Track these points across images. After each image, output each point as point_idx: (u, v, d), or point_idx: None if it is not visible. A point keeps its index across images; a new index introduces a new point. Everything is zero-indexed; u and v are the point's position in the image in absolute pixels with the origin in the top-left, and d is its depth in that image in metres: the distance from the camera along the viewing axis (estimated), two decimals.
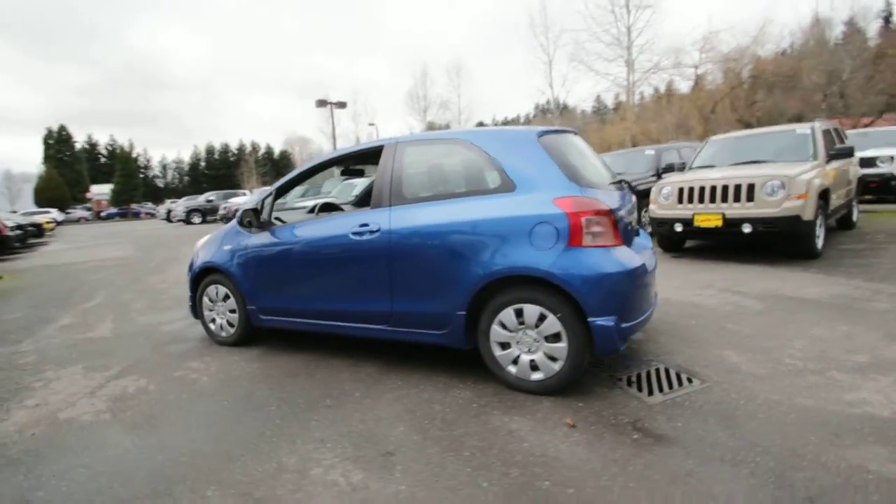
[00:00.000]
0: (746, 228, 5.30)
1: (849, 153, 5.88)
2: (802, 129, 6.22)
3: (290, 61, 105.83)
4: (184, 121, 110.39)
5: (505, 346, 2.66)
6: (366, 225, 2.96)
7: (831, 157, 5.81)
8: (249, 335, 3.76)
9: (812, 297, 4.08)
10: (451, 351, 3.04)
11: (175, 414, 2.69)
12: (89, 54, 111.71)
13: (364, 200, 4.49)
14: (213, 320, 3.87)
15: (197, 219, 23.81)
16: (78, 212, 47.48)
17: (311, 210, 4.19)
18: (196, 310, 3.98)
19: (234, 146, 68.38)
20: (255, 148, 66.49)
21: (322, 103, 25.57)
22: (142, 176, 61.65)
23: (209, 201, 24.38)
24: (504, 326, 2.63)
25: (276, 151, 69.11)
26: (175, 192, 62.25)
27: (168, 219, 27.41)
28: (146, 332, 4.39)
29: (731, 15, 51.99)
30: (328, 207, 4.28)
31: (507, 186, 2.63)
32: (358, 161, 3.75)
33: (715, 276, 5.02)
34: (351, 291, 3.08)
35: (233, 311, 3.73)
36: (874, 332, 3.17)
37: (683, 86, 25.78)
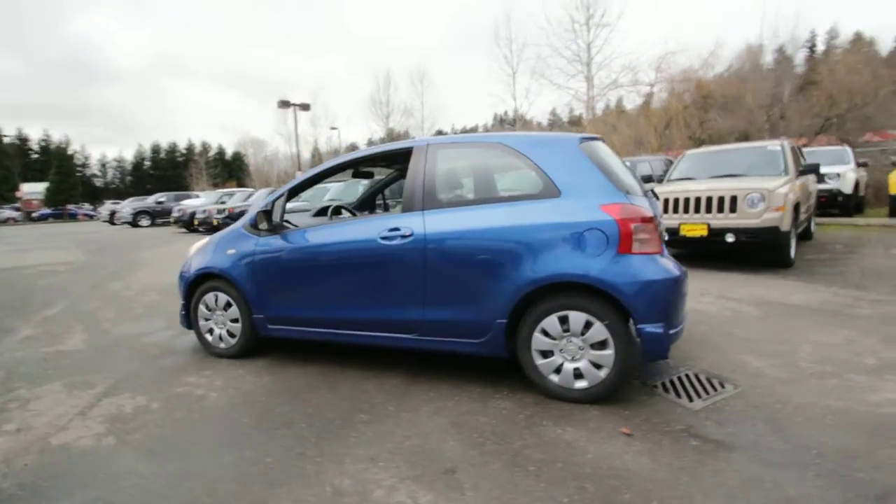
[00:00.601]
0: (730, 238, 5.57)
1: (815, 170, 6.33)
2: (773, 145, 6.64)
3: (243, 60, 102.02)
4: (126, 117, 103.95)
5: (546, 354, 2.61)
6: (397, 229, 2.84)
7: (800, 172, 6.23)
8: (252, 347, 3.51)
9: (800, 303, 4.31)
10: (474, 360, 2.95)
11: (190, 435, 2.43)
12: (18, 41, 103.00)
13: (365, 204, 4.34)
14: (211, 331, 3.58)
15: (145, 221, 22.34)
16: (6, 212, 43.40)
17: (321, 213, 3.97)
18: (189, 319, 3.67)
19: (182, 145, 64.95)
20: (205, 148, 63.42)
21: (284, 104, 24.79)
22: (79, 174, 57.23)
23: (159, 203, 22.97)
24: (546, 334, 2.58)
25: (229, 153, 66.29)
26: (116, 193, 58.27)
27: (111, 221, 25.56)
28: (127, 344, 4.00)
29: (685, 37, 55.37)
30: (322, 211, 4.08)
31: (552, 192, 2.59)
32: (383, 163, 3.59)
33: (706, 283, 5.22)
34: (377, 299, 2.93)
35: (235, 321, 3.46)
36: (870, 337, 3.38)
37: (640, 102, 27.08)
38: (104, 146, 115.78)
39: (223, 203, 17.76)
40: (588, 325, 2.49)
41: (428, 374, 3.05)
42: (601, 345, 2.49)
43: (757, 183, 5.70)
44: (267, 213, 3.21)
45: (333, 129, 41.64)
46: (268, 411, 2.65)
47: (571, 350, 2.55)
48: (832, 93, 17.97)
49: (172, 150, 64.48)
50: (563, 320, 2.54)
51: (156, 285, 6.76)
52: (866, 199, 11.57)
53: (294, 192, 3.40)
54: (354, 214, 4.02)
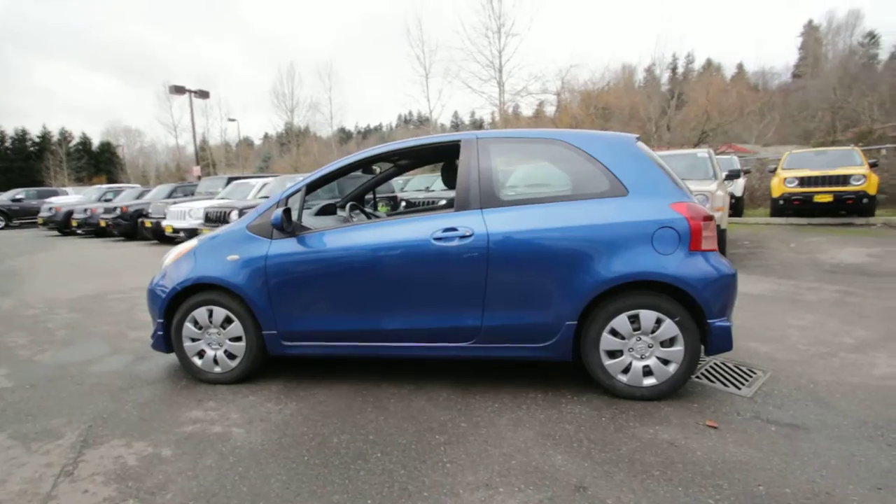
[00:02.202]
0: None
1: (738, 175, 7.21)
2: (702, 153, 7.44)
3: (110, 37, 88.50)
4: None
5: (613, 354, 2.59)
6: (453, 229, 2.61)
7: (727, 177, 7.06)
8: (257, 369, 3.00)
9: (758, 293, 4.86)
10: (505, 365, 2.84)
11: (245, 486, 1.97)
12: None
13: (357, 202, 3.98)
14: (202, 353, 2.99)
15: None
16: None
17: (324, 211, 3.52)
18: (168, 341, 3.03)
19: (35, 133, 54.54)
20: (65, 137, 54.00)
21: (178, 90, 22.06)
22: None
23: (16, 201, 19.11)
24: (616, 334, 2.56)
25: (96, 143, 57.43)
26: None
27: None
28: (72, 376, 3.19)
29: (585, 53, 60.37)
30: (327, 209, 3.66)
31: (619, 190, 2.57)
32: (420, 156, 3.24)
33: None
34: (427, 306, 2.67)
35: (236, 340, 2.93)
36: (832, 319, 3.92)
37: (549, 110, 28.90)
38: None
39: (108, 200, 15.34)
40: (658, 323, 2.52)
41: (475, 383, 2.87)
42: (670, 341, 2.53)
43: (699, 185, 6.33)
44: (287, 213, 2.76)
45: (231, 120, 38.28)
46: (324, 444, 2.27)
47: (640, 348, 2.56)
48: (707, 109, 20.79)
49: (21, 138, 53.67)
50: (633, 319, 2.54)
51: (62, 300, 5.55)
52: (744, 202, 13.56)
53: (314, 187, 2.97)
54: (369, 216, 3.65)
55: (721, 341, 2.51)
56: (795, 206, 10.50)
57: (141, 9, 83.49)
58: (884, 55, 38.83)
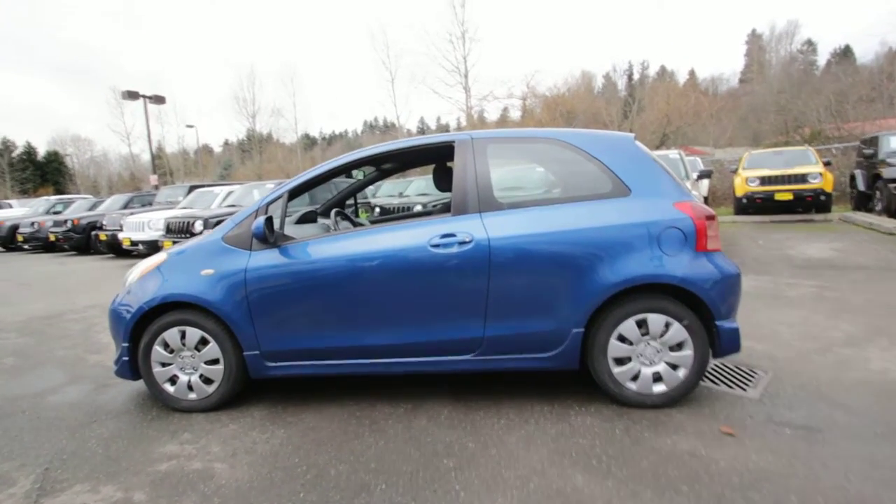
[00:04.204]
0: None
1: (709, 175, 7.38)
2: (673, 153, 7.59)
3: (53, 40, 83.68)
4: None
5: (622, 361, 2.49)
6: (451, 235, 2.45)
7: (699, 176, 7.21)
8: (237, 393, 2.74)
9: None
10: (504, 375, 2.71)
11: None
12: None
13: (337, 208, 3.76)
14: (174, 378, 2.71)
15: None
16: None
17: (305, 219, 3.28)
18: (135, 367, 2.73)
19: None
20: (7, 146, 50.58)
21: (132, 95, 20.92)
22: None
23: None
24: (624, 340, 2.46)
25: (42, 152, 54.05)
26: None
27: None
28: (25, 410, 2.83)
29: (548, 59, 61.57)
30: (307, 217, 3.42)
31: (621, 191, 2.48)
32: (410, 159, 3.06)
33: None
34: (425, 317, 2.50)
35: (213, 362, 2.67)
36: (817, 314, 3.98)
37: (514, 114, 29.23)
38: None
39: (57, 212, 14.36)
40: (667, 326, 2.43)
41: (475, 397, 2.71)
42: (679, 346, 2.45)
43: None
44: (268, 221, 2.52)
45: (190, 126, 36.82)
46: (320, 476, 2.05)
47: (649, 354, 2.47)
48: (668, 113, 21.51)
49: None
50: (641, 324, 2.44)
51: (8, 322, 5.05)
52: (709, 202, 14.03)
53: (296, 193, 2.75)
54: (354, 223, 3.43)
55: (730, 343, 2.45)
56: (757, 205, 10.90)
57: (87, 9, 79.55)
58: (821, 61, 41.58)
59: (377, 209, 10.59)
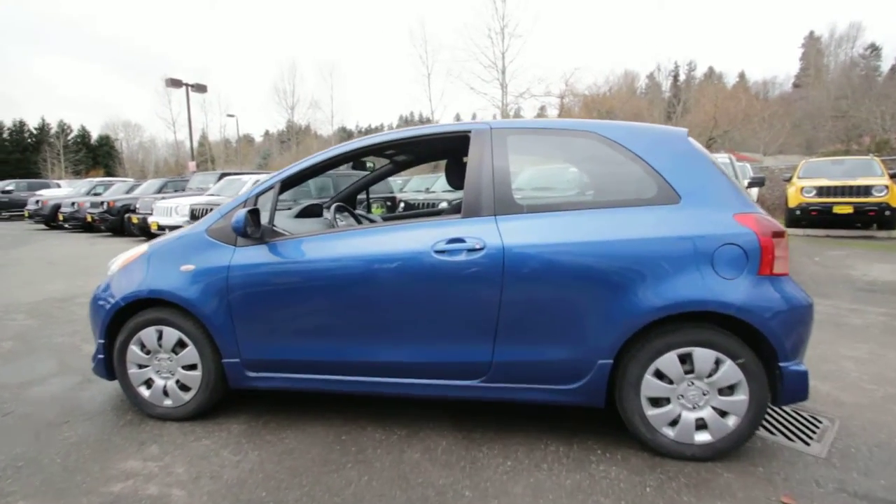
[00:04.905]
0: None
1: (762, 182, 6.72)
2: (722, 158, 6.94)
3: (109, 29, 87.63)
4: None
5: (658, 402, 2.07)
6: (459, 240, 2.09)
7: (750, 184, 6.57)
8: (216, 403, 2.48)
9: None
10: (515, 407, 2.32)
11: None
12: None
13: (348, 203, 3.45)
14: (149, 382, 2.47)
15: None
16: None
17: (305, 214, 2.99)
18: (111, 366, 2.51)
19: (33, 125, 53.82)
20: (63, 130, 53.29)
21: (175, 83, 21.48)
22: None
23: (6, 192, 18.56)
24: (662, 377, 2.04)
25: (94, 136, 56.72)
26: None
27: None
28: (3, 403, 2.66)
29: (588, 57, 60.06)
30: (311, 211, 3.12)
31: (669, 197, 2.05)
32: (420, 149, 2.73)
33: None
34: (425, 334, 2.15)
35: (190, 368, 2.41)
36: (888, 350, 3.40)
37: (552, 113, 28.42)
38: None
39: (97, 195, 14.78)
40: (717, 364, 2.00)
41: (480, 427, 2.35)
42: (730, 389, 2.01)
43: None
44: (254, 214, 2.23)
45: (230, 116, 37.70)
46: None
47: (692, 396, 2.04)
48: (715, 115, 20.35)
49: (19, 129, 52.97)
50: (684, 359, 2.02)
51: (23, 303, 5.02)
52: None
53: (289, 184, 2.45)
54: (359, 220, 3.12)
55: (795, 390, 1.99)
56: (812, 217, 9.98)
57: (142, 3, 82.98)
58: (885, 67, 38.65)
59: (402, 204, 10.30)
